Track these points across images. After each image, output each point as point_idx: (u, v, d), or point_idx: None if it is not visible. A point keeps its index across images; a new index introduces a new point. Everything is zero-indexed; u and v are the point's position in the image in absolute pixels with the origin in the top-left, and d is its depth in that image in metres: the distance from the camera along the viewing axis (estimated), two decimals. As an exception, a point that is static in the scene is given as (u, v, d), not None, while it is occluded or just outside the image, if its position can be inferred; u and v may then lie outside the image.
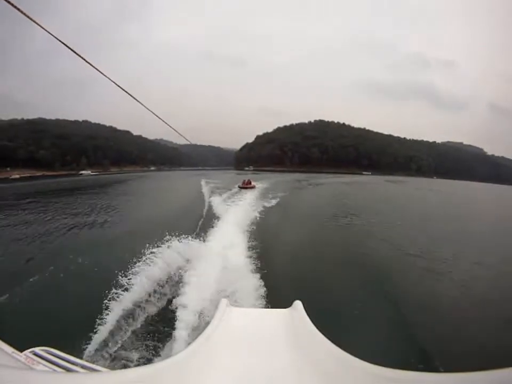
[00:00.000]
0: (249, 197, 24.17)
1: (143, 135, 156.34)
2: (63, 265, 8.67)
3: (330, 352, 1.78)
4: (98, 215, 18.08)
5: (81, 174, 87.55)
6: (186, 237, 8.74)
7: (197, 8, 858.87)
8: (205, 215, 17.03)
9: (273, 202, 22.62)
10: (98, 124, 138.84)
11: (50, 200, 24.41)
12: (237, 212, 16.49)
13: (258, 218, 15.64)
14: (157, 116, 3.89)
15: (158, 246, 7.70)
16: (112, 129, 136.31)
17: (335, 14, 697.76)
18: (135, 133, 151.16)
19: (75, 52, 2.13)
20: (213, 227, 12.45)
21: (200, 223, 14.28)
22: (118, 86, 2.78)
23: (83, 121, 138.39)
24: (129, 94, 2.92)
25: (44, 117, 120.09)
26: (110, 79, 2.63)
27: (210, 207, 19.57)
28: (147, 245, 7.45)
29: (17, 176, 79.03)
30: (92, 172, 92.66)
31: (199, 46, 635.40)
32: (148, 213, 18.99)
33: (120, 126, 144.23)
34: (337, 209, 21.90)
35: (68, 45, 2.07)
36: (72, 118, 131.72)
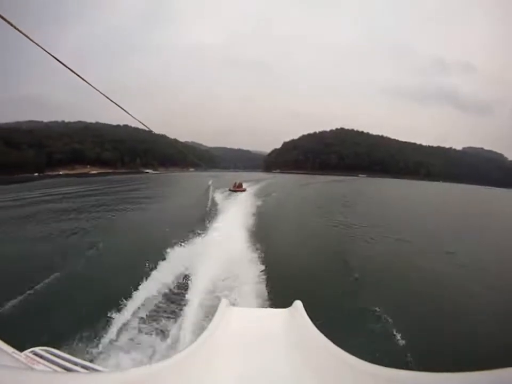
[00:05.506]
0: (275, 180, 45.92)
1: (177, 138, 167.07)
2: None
3: (330, 352, 1.79)
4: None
5: (147, 172, 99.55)
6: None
7: (223, 14, 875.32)
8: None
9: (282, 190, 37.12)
10: (138, 128, 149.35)
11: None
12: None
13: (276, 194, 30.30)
14: (143, 124, 4.17)
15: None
16: (150, 133, 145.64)
17: (356, 17, 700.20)
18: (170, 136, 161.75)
19: (63, 64, 2.31)
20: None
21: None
22: (101, 93, 2.94)
23: (123, 125, 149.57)
24: (115, 103, 3.13)
25: (84, 120, 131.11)
26: (95, 88, 2.79)
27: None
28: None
29: (95, 172, 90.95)
30: (153, 171, 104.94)
31: (225, 50, 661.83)
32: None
33: (156, 130, 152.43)
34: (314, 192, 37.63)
35: (60, 59, 2.25)
36: (107, 121, 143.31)
